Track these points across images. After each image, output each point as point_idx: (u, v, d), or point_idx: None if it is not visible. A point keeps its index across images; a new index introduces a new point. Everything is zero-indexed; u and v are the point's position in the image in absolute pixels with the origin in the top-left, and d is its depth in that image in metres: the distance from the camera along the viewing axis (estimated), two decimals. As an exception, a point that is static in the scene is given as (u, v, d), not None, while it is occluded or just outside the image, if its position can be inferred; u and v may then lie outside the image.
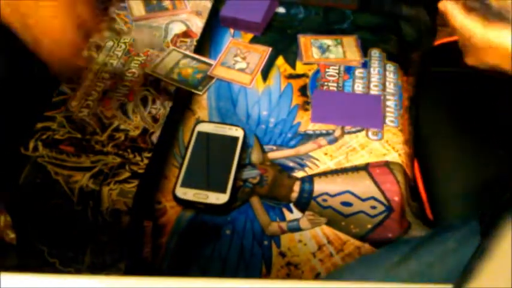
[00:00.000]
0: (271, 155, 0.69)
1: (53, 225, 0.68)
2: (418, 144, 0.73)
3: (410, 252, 0.52)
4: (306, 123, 0.72)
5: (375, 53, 0.81)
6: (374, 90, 0.76)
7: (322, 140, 0.70)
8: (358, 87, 0.76)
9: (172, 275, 0.64)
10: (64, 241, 0.69)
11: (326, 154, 0.69)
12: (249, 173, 0.67)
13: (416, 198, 0.69)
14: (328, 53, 0.81)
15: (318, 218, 0.63)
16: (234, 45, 0.82)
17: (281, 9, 0.89)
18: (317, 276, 0.61)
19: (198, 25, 0.85)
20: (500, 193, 0.45)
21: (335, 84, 0.77)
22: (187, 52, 0.81)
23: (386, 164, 0.67)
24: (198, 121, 0.72)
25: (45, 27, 0.48)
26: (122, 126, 0.70)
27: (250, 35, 0.85)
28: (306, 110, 0.74)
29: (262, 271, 0.63)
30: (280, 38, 0.84)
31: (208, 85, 0.76)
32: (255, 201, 0.65)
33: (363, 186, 0.65)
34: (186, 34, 0.84)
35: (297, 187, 0.66)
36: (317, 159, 0.68)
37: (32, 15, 0.47)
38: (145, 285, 0.34)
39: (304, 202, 0.64)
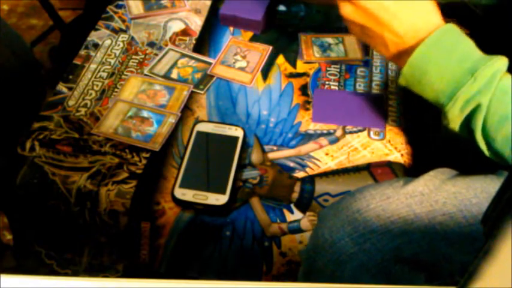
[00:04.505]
0: (272, 155, 0.68)
1: (50, 227, 0.68)
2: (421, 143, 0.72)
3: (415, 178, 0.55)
4: (306, 123, 0.71)
5: (377, 51, 0.80)
6: (376, 90, 0.75)
7: (323, 140, 0.69)
8: (360, 87, 0.76)
9: (170, 277, 0.64)
10: (61, 242, 0.68)
11: (327, 154, 0.68)
12: (249, 174, 0.66)
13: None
14: (329, 52, 0.80)
15: (319, 219, 0.63)
16: (234, 43, 0.81)
17: (282, 7, 0.88)
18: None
19: (197, 23, 0.85)
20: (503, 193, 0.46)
21: (336, 84, 0.76)
22: (185, 51, 0.80)
23: (389, 164, 0.66)
24: (197, 121, 0.71)
25: None
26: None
27: (250, 34, 0.84)
28: (307, 109, 0.73)
29: (263, 270, 0.63)
30: (280, 37, 0.83)
31: (208, 84, 0.75)
32: (255, 201, 0.64)
33: (365, 186, 0.64)
34: (185, 32, 0.83)
35: (297, 187, 0.65)
36: (318, 160, 0.67)
37: None
38: (143, 287, 0.33)
39: (305, 203, 0.64)
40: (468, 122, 0.52)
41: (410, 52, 0.54)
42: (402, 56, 0.56)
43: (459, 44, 0.53)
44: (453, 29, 0.54)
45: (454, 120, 0.52)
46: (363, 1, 0.55)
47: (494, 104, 0.50)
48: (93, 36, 0.82)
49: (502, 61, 0.51)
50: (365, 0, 0.55)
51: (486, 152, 0.52)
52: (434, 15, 0.55)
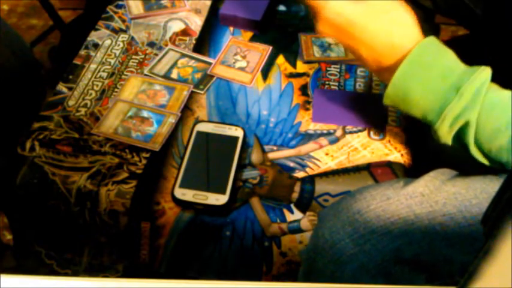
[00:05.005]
0: (272, 155, 0.68)
1: (50, 227, 0.68)
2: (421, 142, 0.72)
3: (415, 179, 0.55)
4: (306, 123, 0.71)
5: (377, 51, 0.80)
6: (376, 90, 0.75)
7: (323, 140, 0.69)
8: (360, 87, 0.76)
9: (170, 277, 0.64)
10: (61, 242, 0.68)
11: (327, 154, 0.68)
12: (249, 174, 0.66)
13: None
14: (329, 52, 0.80)
15: (319, 219, 0.63)
16: (234, 43, 0.81)
17: (282, 7, 0.88)
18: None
19: (197, 23, 0.85)
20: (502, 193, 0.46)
21: (336, 83, 0.76)
22: (185, 51, 0.80)
23: (389, 164, 0.66)
24: (197, 121, 0.71)
25: None
26: (120, 126, 0.69)
27: (250, 34, 0.84)
28: (307, 109, 0.73)
29: (263, 270, 0.63)
30: (280, 37, 0.83)
31: (208, 84, 0.76)
32: (255, 201, 0.64)
33: (365, 186, 0.64)
34: (185, 32, 0.83)
35: (297, 187, 0.65)
36: (318, 160, 0.67)
37: None
38: (143, 287, 0.33)
39: (305, 203, 0.64)
40: (459, 136, 0.52)
41: (391, 70, 0.53)
42: (383, 72, 0.56)
43: (440, 58, 0.52)
44: (432, 43, 0.53)
45: (445, 136, 0.52)
46: (330, 16, 0.55)
47: (484, 118, 0.49)
48: (93, 36, 0.82)
49: (485, 73, 0.50)
50: (332, 16, 0.54)
51: (485, 162, 0.52)
52: (409, 28, 0.54)
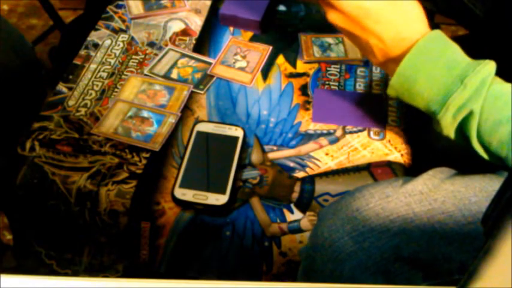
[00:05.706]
0: (272, 155, 0.68)
1: (50, 226, 0.68)
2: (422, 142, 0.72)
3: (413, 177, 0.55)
4: (306, 123, 0.71)
5: (377, 51, 0.80)
6: (376, 90, 0.75)
7: (323, 140, 0.69)
8: (360, 86, 0.76)
9: (170, 277, 0.64)
10: (61, 242, 0.68)
11: (327, 154, 0.68)
12: (249, 174, 0.66)
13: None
14: (329, 52, 0.80)
15: (319, 219, 0.63)
16: (234, 43, 0.81)
17: (282, 7, 0.88)
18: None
19: (197, 23, 0.85)
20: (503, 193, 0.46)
21: (336, 83, 0.76)
22: (185, 51, 0.80)
23: (389, 164, 0.66)
24: (197, 121, 0.71)
25: None
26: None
27: (250, 34, 0.84)
28: (307, 109, 0.73)
29: (263, 270, 0.63)
30: (280, 37, 0.83)
31: (208, 84, 0.76)
32: (255, 201, 0.64)
33: (365, 186, 0.64)
34: (185, 32, 0.83)
35: (297, 187, 0.65)
36: (318, 160, 0.67)
37: None
38: (143, 287, 0.33)
39: (305, 202, 0.64)
40: (462, 128, 0.52)
41: (397, 60, 0.54)
42: (389, 63, 0.56)
43: (446, 50, 0.52)
44: (439, 35, 0.53)
45: (448, 127, 0.52)
46: (346, 7, 0.55)
47: (487, 109, 0.50)
48: (93, 36, 0.82)
49: (490, 66, 0.50)
50: (348, 7, 0.55)
51: (485, 156, 0.52)
52: (419, 22, 0.55)
